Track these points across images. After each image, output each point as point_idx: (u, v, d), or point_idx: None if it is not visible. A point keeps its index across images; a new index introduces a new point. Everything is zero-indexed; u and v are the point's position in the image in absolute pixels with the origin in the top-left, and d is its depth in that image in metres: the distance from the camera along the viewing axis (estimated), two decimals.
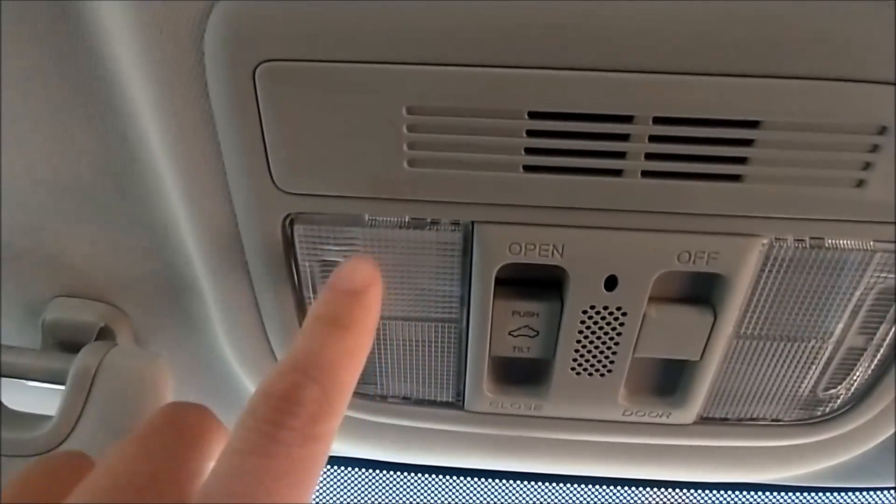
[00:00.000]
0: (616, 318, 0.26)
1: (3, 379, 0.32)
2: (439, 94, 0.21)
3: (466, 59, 0.20)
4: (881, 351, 0.28)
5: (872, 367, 0.29)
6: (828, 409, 0.30)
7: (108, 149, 0.26)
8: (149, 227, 0.29)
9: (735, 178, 0.22)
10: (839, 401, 0.30)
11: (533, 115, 0.21)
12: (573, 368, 0.28)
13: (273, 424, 0.16)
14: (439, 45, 0.20)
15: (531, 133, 0.22)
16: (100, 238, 0.30)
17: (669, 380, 0.29)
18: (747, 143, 0.21)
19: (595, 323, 0.26)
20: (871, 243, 0.24)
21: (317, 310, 0.20)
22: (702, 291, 0.26)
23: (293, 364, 0.18)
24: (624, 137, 0.22)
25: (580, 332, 0.27)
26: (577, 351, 0.27)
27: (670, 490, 0.43)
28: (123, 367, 0.30)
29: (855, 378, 0.29)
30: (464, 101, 0.21)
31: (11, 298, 0.33)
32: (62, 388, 0.30)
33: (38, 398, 0.34)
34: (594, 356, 0.28)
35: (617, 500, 0.46)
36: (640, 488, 0.44)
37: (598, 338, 0.27)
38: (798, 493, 0.44)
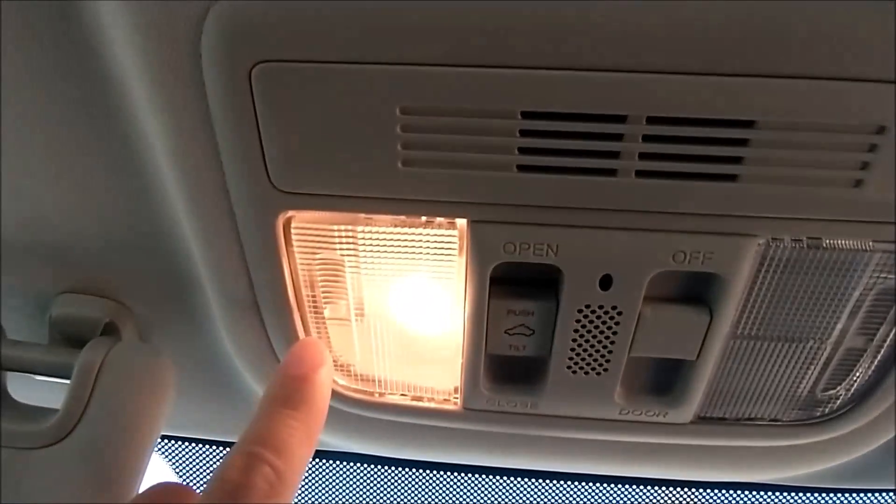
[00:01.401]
0: (611, 318, 0.26)
1: (11, 373, 0.33)
2: (433, 94, 0.21)
3: (460, 60, 0.20)
4: (881, 352, 0.28)
5: (873, 368, 0.28)
6: (827, 410, 0.30)
7: (110, 148, 0.27)
8: (151, 226, 0.30)
9: (730, 177, 0.22)
10: (839, 401, 0.30)
11: (526, 115, 0.21)
12: (569, 367, 0.28)
13: None
14: (433, 45, 0.20)
15: (525, 133, 0.22)
16: (103, 235, 0.31)
17: (666, 379, 0.29)
18: (742, 142, 0.21)
19: (590, 322, 0.26)
20: (870, 243, 0.24)
21: (269, 393, 0.21)
22: (698, 291, 0.26)
23: (245, 447, 0.19)
24: (618, 137, 0.22)
25: (575, 330, 0.27)
26: (572, 350, 0.27)
27: (668, 489, 0.43)
28: (127, 362, 0.30)
29: (855, 379, 0.29)
30: (457, 101, 0.21)
31: (19, 294, 0.34)
32: (67, 381, 0.31)
33: (47, 392, 0.34)
34: (590, 355, 0.28)
35: (614, 498, 0.46)
36: (638, 486, 0.44)
37: (594, 336, 0.27)
38: (797, 494, 0.43)
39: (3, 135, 0.27)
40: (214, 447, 0.51)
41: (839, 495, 0.43)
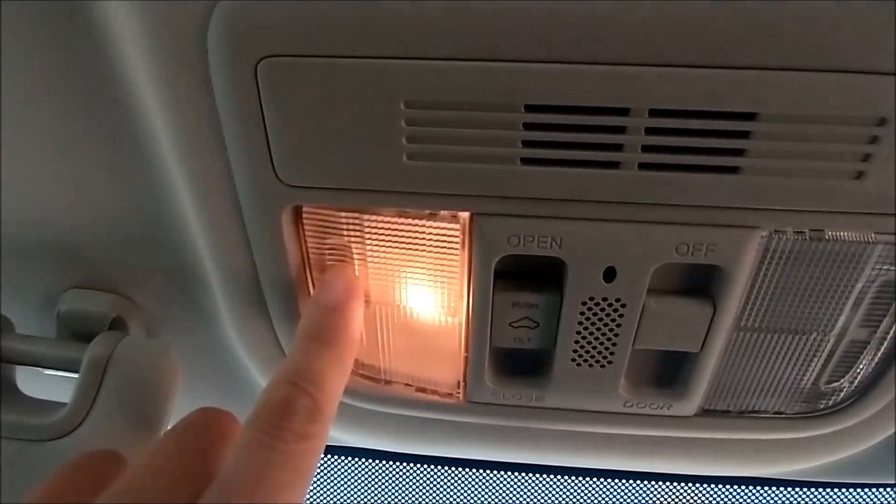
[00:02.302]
0: (615, 310, 0.26)
1: (20, 367, 0.33)
2: (437, 88, 0.21)
3: (463, 54, 0.21)
4: (885, 344, 0.28)
5: (876, 360, 0.28)
6: (831, 403, 0.30)
7: (117, 144, 0.27)
8: (158, 221, 0.30)
9: (732, 169, 0.22)
10: (842, 394, 0.30)
11: (530, 109, 0.22)
12: (573, 359, 0.28)
13: (274, 426, 0.20)
14: (436, 39, 0.20)
15: (528, 126, 0.22)
16: (111, 231, 0.31)
17: (670, 371, 0.30)
18: (744, 134, 0.22)
19: (594, 314, 0.27)
20: (872, 235, 0.24)
21: (302, 326, 0.23)
22: (701, 283, 0.26)
23: (285, 377, 0.21)
24: (620, 130, 0.22)
25: (580, 323, 0.27)
26: (576, 342, 0.28)
27: (672, 484, 0.43)
28: (134, 356, 0.30)
29: (858, 371, 0.29)
30: (461, 95, 0.21)
31: (28, 289, 0.34)
32: (76, 376, 0.31)
33: (55, 386, 0.35)
34: (594, 347, 0.28)
35: (618, 493, 0.46)
36: (642, 482, 0.44)
37: (598, 329, 0.27)
38: (801, 489, 0.43)
39: (10, 131, 0.27)
40: None
41: (842, 490, 0.43)
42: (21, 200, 0.30)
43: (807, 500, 0.43)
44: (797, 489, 0.43)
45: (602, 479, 0.45)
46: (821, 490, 0.43)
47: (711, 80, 0.20)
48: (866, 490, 0.43)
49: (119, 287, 0.34)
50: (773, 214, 0.24)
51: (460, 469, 0.47)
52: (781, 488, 0.43)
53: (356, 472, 0.50)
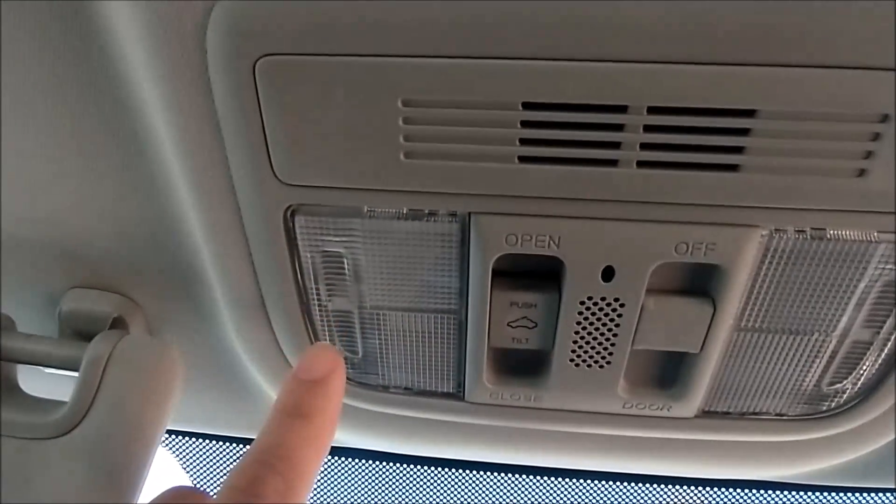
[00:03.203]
0: (614, 310, 0.26)
1: (21, 366, 0.33)
2: (434, 86, 0.21)
3: (461, 52, 0.21)
4: (888, 346, 0.27)
5: (879, 361, 0.28)
6: (833, 405, 0.30)
7: (118, 144, 0.27)
8: (158, 221, 0.30)
9: (732, 167, 0.22)
10: (845, 396, 0.30)
11: (527, 106, 0.21)
12: (572, 360, 0.28)
13: None
14: (434, 37, 0.20)
15: (526, 124, 0.22)
16: (112, 231, 0.31)
17: (670, 372, 0.29)
18: (743, 132, 0.21)
19: (593, 314, 0.26)
20: (875, 234, 0.24)
21: (280, 400, 0.21)
22: (701, 283, 0.26)
23: (255, 457, 0.19)
24: (619, 127, 0.22)
25: (578, 323, 0.27)
26: (575, 342, 0.27)
27: (672, 487, 0.43)
28: (135, 355, 0.30)
29: (861, 372, 0.29)
30: (459, 93, 0.21)
31: (30, 289, 0.35)
32: (77, 374, 0.31)
33: (57, 384, 0.35)
34: (592, 347, 0.28)
35: (616, 496, 0.45)
36: (642, 485, 0.44)
37: (597, 329, 0.27)
38: (801, 492, 0.43)
39: (11, 131, 0.27)
40: (221, 443, 0.51)
41: (840, 494, 0.42)
42: (23, 199, 0.30)
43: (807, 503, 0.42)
44: (797, 493, 0.42)
45: (600, 482, 0.44)
46: (820, 494, 0.42)
47: (710, 77, 0.20)
48: (867, 495, 0.42)
49: (121, 286, 0.34)
50: (774, 213, 0.23)
51: (458, 470, 0.47)
52: (781, 492, 0.43)
53: (355, 472, 0.50)
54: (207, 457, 0.54)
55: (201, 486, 0.56)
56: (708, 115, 0.21)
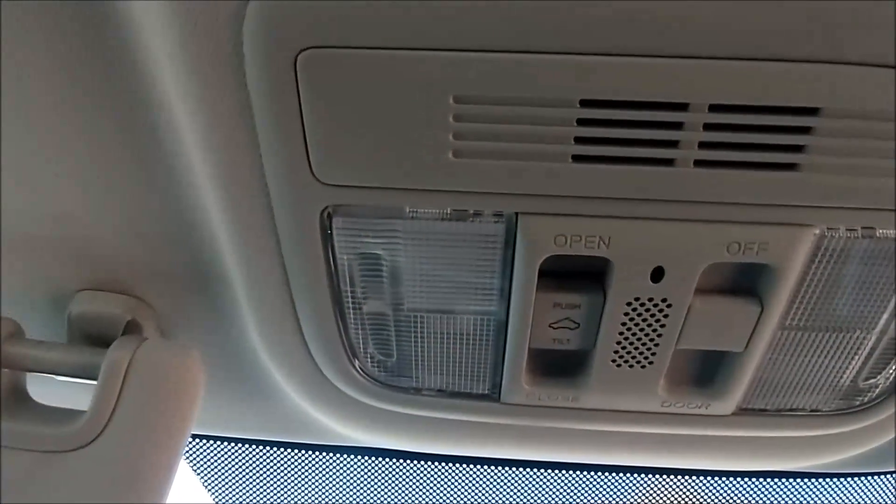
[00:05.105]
0: (661, 310, 0.26)
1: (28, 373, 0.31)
2: (489, 81, 0.20)
3: (517, 46, 0.20)
4: None
5: None
6: (866, 399, 0.30)
7: (137, 139, 0.26)
8: (176, 219, 0.29)
9: (790, 166, 0.22)
10: (878, 390, 0.30)
11: (585, 104, 0.21)
12: (614, 360, 0.28)
13: None
14: (489, 30, 0.19)
15: (582, 122, 0.21)
16: (126, 229, 0.30)
17: (709, 370, 0.29)
18: (805, 130, 0.21)
19: (639, 315, 0.26)
20: None
21: None
22: (748, 282, 0.26)
23: None
24: (678, 126, 0.21)
25: (623, 324, 0.26)
26: (618, 343, 0.27)
27: (702, 478, 0.43)
28: (155, 360, 0.29)
29: (893, 367, 0.29)
30: (514, 89, 0.20)
31: (37, 292, 0.33)
32: (86, 381, 0.30)
33: (59, 389, 0.33)
34: (636, 348, 0.27)
35: (643, 487, 0.46)
36: (666, 476, 0.44)
37: (641, 329, 0.26)
38: (827, 480, 0.44)
39: (17, 126, 0.26)
40: (232, 444, 0.50)
41: (868, 479, 0.43)
42: (29, 196, 0.28)
43: (831, 489, 0.43)
44: (822, 480, 0.43)
45: (624, 474, 0.44)
46: (846, 480, 0.43)
47: (776, 74, 0.20)
48: (890, 477, 0.43)
49: (133, 288, 0.33)
50: (828, 212, 0.23)
51: (487, 467, 0.46)
52: (808, 480, 0.43)
53: (388, 473, 0.49)
54: (220, 459, 0.52)
55: (211, 488, 0.55)
56: (771, 112, 0.20)
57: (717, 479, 0.43)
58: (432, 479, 0.48)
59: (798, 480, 0.43)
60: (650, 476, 0.44)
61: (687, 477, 0.43)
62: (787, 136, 0.21)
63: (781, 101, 0.20)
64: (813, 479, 0.43)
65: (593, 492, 0.47)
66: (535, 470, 0.47)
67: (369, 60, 0.20)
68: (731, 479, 0.43)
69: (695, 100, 0.20)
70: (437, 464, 0.47)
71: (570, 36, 0.19)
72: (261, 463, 0.52)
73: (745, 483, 0.44)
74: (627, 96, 0.20)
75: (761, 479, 0.44)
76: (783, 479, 0.43)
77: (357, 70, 0.20)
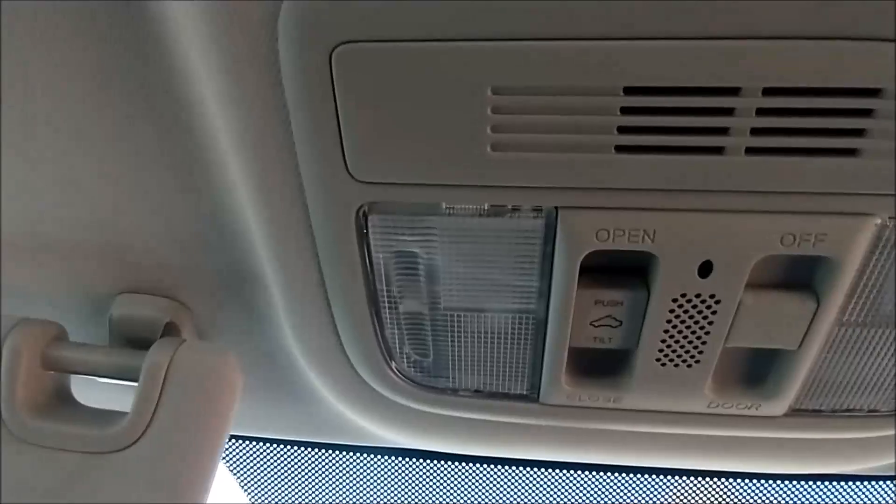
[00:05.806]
0: (708, 307, 0.25)
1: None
2: (528, 71, 0.20)
3: (557, 33, 0.19)
4: None
5: None
6: None
7: (173, 141, 0.26)
8: (212, 220, 0.29)
9: (850, 152, 0.20)
10: None
11: (629, 91, 0.20)
12: (658, 359, 0.27)
13: None
14: (527, 18, 0.19)
15: (626, 110, 0.20)
16: (163, 232, 0.30)
17: (760, 369, 0.28)
18: (866, 113, 0.20)
19: (685, 311, 0.25)
20: None
21: None
22: (803, 276, 0.24)
23: None
24: (728, 112, 0.20)
25: (668, 321, 0.25)
26: (663, 341, 0.26)
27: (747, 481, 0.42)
28: (195, 362, 0.29)
29: None
30: (554, 79, 0.20)
31: (79, 295, 0.34)
32: (128, 383, 0.30)
33: (98, 392, 0.34)
34: (682, 346, 0.26)
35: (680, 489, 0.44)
36: (707, 479, 0.43)
37: (688, 327, 0.25)
38: (882, 482, 0.41)
39: (50, 128, 0.26)
40: (268, 444, 0.50)
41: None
42: (68, 201, 0.29)
43: (886, 493, 0.41)
44: (872, 483, 0.41)
45: (665, 477, 0.43)
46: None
47: (833, 53, 0.18)
48: None
49: (170, 290, 0.33)
50: (890, 200, 0.22)
51: (523, 469, 0.46)
52: (858, 483, 0.41)
53: (422, 474, 0.49)
54: (257, 460, 0.53)
55: (248, 488, 0.56)
56: (828, 95, 0.19)
57: (760, 482, 0.41)
58: (469, 480, 0.48)
59: (849, 484, 0.41)
60: (690, 479, 0.43)
61: (730, 480, 0.42)
62: (845, 118, 0.20)
63: (840, 83, 0.19)
64: (866, 482, 0.41)
65: (632, 495, 0.46)
66: (574, 472, 0.46)
67: (405, 53, 0.20)
68: (776, 481, 0.41)
69: (747, 83, 0.19)
70: (473, 465, 0.46)
71: (612, 20, 0.19)
72: (297, 463, 0.52)
73: (792, 486, 0.42)
74: (674, 82, 0.19)
75: (809, 482, 0.42)
76: (831, 483, 0.41)
77: (393, 64, 0.20)
